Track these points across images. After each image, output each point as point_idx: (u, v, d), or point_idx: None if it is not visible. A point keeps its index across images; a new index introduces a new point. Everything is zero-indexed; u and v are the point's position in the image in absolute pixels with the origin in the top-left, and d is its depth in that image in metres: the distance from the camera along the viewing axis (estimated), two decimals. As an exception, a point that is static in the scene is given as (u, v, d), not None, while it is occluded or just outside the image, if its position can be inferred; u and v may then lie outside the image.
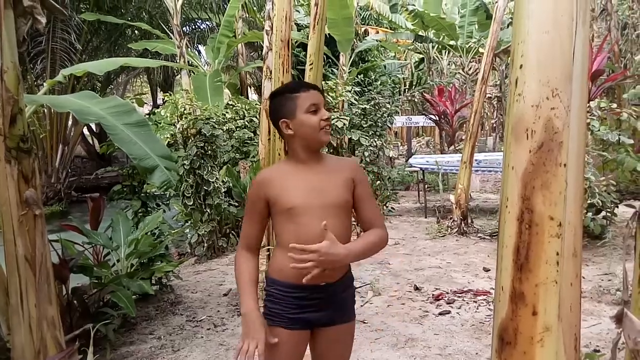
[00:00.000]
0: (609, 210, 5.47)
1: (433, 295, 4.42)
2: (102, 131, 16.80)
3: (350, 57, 9.83)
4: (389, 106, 8.12)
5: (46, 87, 4.12)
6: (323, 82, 5.59)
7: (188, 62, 8.31)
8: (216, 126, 5.81)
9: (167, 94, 6.85)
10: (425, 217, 7.95)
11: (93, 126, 16.41)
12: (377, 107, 7.75)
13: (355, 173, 1.77)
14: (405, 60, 18.04)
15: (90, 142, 16.84)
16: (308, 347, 1.82)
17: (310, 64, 4.67)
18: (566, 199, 1.19)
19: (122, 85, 17.42)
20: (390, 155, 9.82)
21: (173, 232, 4.95)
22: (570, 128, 1.20)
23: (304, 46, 8.88)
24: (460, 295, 4.40)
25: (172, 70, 16.62)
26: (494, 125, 17.23)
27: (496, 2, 6.91)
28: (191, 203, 5.81)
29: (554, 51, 1.21)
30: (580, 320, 1.25)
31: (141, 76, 18.42)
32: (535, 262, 1.18)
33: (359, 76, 9.71)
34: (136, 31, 12.54)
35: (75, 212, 10.65)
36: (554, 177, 1.18)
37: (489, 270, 5.08)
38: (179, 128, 5.75)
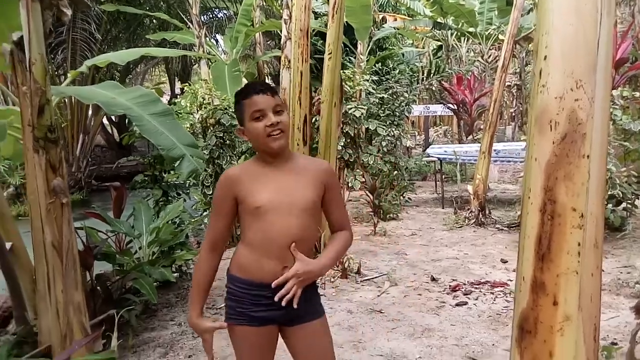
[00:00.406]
0: (629, 201, 5.39)
1: (450, 286, 4.43)
2: (121, 120, 17.03)
3: (368, 45, 9.77)
4: (407, 95, 8.09)
5: (70, 77, 4.17)
6: (340, 71, 5.57)
7: (206, 51, 8.36)
8: (235, 116, 5.85)
9: (186, 84, 6.91)
10: (443, 208, 7.93)
11: (112, 116, 16.63)
12: (395, 96, 7.72)
13: (327, 178, 1.76)
14: (423, 48, 17.85)
15: (110, 131, 17.06)
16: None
17: (329, 53, 4.68)
18: (588, 190, 1.19)
19: (141, 74, 17.60)
20: (408, 145, 9.78)
21: (193, 220, 5.01)
22: (594, 119, 1.20)
23: (321, 35, 8.85)
24: (477, 286, 4.39)
25: (190, 59, 16.71)
26: (513, 114, 17.00)
27: (517, -12, 6.81)
28: (210, 192, 5.87)
29: (577, 43, 1.20)
30: (600, 311, 1.26)
31: (159, 66, 18.57)
32: (556, 253, 1.20)
33: (376, 65, 9.65)
34: (154, 21, 12.63)
35: (96, 200, 10.84)
36: (577, 169, 1.19)
37: (507, 261, 5.06)
38: (198, 118, 5.80)
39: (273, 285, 1.60)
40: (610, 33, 1.25)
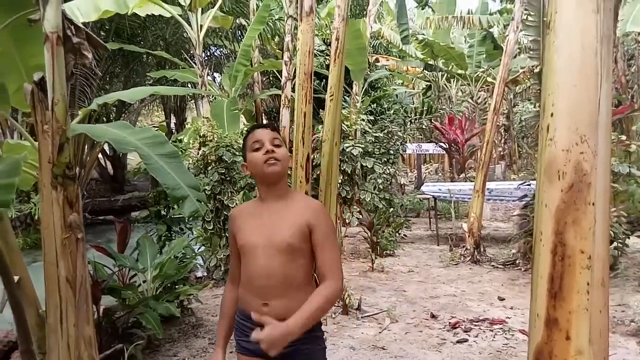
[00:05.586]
0: (620, 241, 5.55)
1: (450, 323, 4.49)
2: (115, 155, 17.10)
3: (363, 86, 10.07)
4: (401, 134, 8.32)
5: (81, 115, 4.27)
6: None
7: (207, 89, 8.57)
8: (237, 153, 5.99)
9: (188, 122, 7.06)
10: (438, 245, 8.04)
11: (107, 149, 16.69)
12: (390, 135, 7.94)
13: (312, 218, 1.71)
14: (413, 88, 18.33)
15: (104, 164, 17.08)
16: None
17: (331, 95, 4.86)
18: (594, 234, 1.32)
19: (137, 111, 17.79)
20: (402, 183, 9.96)
21: (193, 255, 5.07)
22: (597, 170, 1.34)
23: (316, 74, 9.10)
24: (476, 323, 4.46)
25: (185, 97, 16.96)
26: (502, 153, 17.38)
27: (506, 35, 7.15)
28: (211, 227, 5.94)
29: (581, 102, 1.36)
30: (609, 345, 1.37)
31: (156, 102, 18.84)
32: (568, 291, 1.32)
33: (371, 105, 9.92)
34: (152, 59, 12.90)
35: (90, 233, 10.76)
36: (584, 215, 1.32)
37: (504, 299, 5.15)
38: (200, 154, 5.92)
39: (252, 337, 1.57)
40: (609, 93, 1.40)
